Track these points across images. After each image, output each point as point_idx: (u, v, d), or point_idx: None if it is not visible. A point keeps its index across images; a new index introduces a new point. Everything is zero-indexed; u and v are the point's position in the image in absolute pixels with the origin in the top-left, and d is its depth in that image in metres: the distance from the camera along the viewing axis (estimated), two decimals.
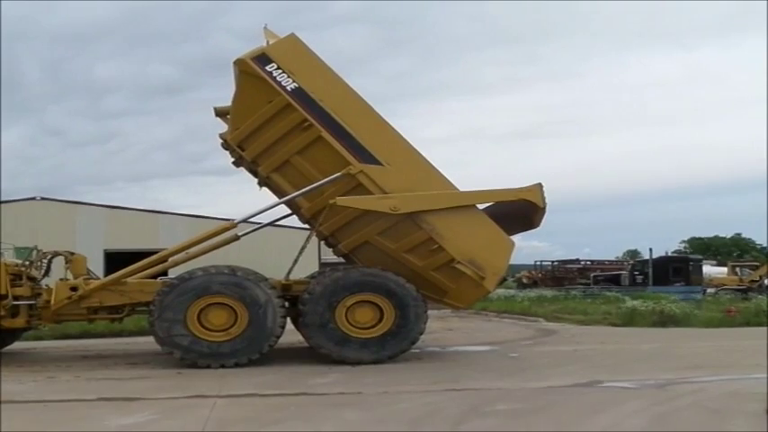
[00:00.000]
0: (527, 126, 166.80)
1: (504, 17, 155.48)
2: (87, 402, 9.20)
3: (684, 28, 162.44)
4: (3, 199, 41.32)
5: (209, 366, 11.92)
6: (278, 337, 12.39)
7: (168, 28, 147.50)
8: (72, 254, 13.69)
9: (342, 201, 12.42)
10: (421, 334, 12.80)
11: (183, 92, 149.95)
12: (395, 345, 12.51)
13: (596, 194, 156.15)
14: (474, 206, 12.98)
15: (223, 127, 14.02)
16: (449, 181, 12.94)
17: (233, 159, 14.12)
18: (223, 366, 11.91)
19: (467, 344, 15.90)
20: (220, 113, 14.09)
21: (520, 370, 11.78)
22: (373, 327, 12.49)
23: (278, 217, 14.75)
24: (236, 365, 11.98)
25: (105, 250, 37.84)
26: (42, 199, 42.12)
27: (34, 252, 13.93)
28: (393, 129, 12.90)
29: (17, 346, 15.02)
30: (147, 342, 13.83)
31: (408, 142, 12.92)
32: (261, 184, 14.03)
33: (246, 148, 13.27)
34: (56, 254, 13.80)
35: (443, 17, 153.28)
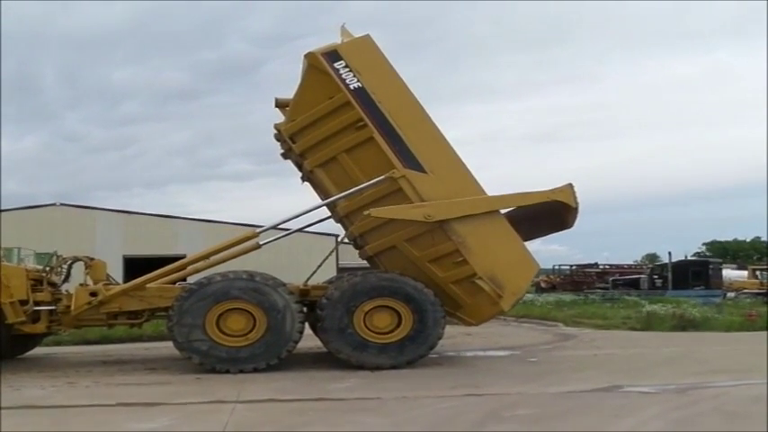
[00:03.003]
0: (546, 129, 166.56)
1: (523, 20, 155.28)
2: (107, 408, 9.23)
3: (703, 30, 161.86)
4: (23, 205, 41.80)
5: (227, 371, 11.92)
6: (296, 343, 12.38)
7: (183, 34, 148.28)
8: (92, 259, 13.72)
9: (376, 212, 12.42)
10: (439, 339, 12.74)
11: (197, 97, 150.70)
12: (413, 350, 12.47)
13: (615, 198, 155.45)
14: (506, 223, 12.92)
15: (280, 117, 14.20)
16: (485, 192, 12.90)
17: (282, 151, 14.33)
18: (242, 371, 11.91)
19: (485, 348, 15.84)
20: (280, 105, 14.28)
21: (539, 375, 11.72)
22: (392, 332, 12.45)
23: (300, 226, 14.71)
24: (255, 371, 11.98)
25: (124, 256, 38.12)
26: (62, 205, 42.50)
27: (54, 258, 14.01)
28: (444, 138, 12.90)
29: (37, 351, 15.11)
30: (166, 347, 13.89)
31: (456, 153, 12.91)
32: (303, 178, 14.26)
33: (297, 141, 13.43)
34: (75, 259, 13.84)
35: (461, 21, 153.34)
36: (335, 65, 12.51)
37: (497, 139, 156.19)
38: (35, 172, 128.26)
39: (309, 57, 12.70)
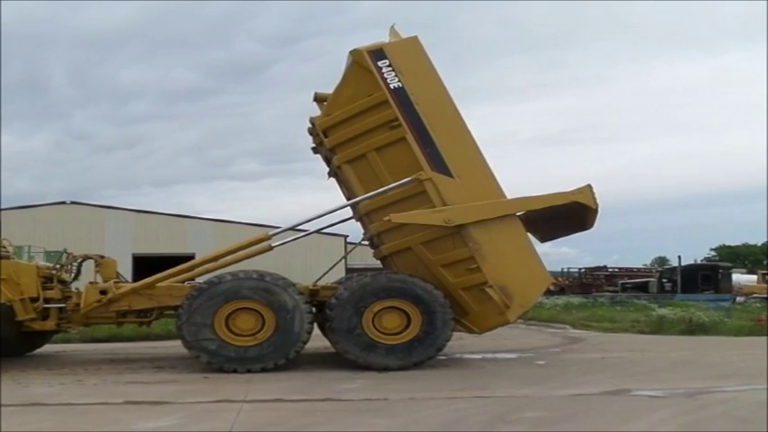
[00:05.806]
0: (554, 132, 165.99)
1: (531, 22, 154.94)
2: (114, 406, 9.25)
3: (712, 33, 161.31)
4: (33, 203, 41.97)
5: (235, 371, 11.93)
6: (305, 343, 12.38)
7: (191, 33, 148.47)
8: (102, 257, 13.77)
9: (396, 217, 12.44)
10: (447, 340, 12.72)
11: (206, 97, 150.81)
12: (421, 351, 12.46)
13: (624, 201, 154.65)
14: (523, 234, 12.95)
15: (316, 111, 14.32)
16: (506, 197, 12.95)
17: (312, 145, 14.44)
18: (249, 371, 11.93)
19: (493, 351, 15.80)
20: (318, 99, 14.37)
21: (547, 377, 11.69)
22: (400, 333, 12.44)
23: (318, 228, 14.69)
24: (263, 370, 11.99)
25: (134, 254, 38.22)
26: (72, 203, 42.66)
27: (64, 255, 14.06)
28: (475, 145, 12.93)
29: (46, 348, 15.17)
30: (175, 346, 13.91)
31: (485, 160, 12.95)
32: (330, 173, 14.37)
33: (330, 136, 13.48)
34: (86, 257, 13.89)
35: (469, 22, 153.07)
36: (379, 63, 12.64)
37: (504, 142, 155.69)
38: (45, 170, 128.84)
39: (355, 53, 12.83)
